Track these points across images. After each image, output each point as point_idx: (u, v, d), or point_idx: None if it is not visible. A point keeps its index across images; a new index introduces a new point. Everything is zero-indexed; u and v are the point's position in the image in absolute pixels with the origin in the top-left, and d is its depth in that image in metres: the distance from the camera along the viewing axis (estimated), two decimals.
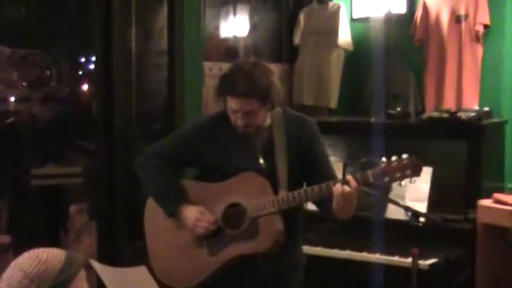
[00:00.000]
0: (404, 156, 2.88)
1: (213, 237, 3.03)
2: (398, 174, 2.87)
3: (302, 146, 3.05)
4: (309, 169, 3.05)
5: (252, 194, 2.98)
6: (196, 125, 3.23)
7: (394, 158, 2.88)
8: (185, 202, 3.08)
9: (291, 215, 3.02)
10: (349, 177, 2.87)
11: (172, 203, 3.09)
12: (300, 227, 3.18)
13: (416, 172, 2.88)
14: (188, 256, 3.07)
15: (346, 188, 2.83)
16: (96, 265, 2.48)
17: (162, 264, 3.14)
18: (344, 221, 3.04)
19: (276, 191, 2.98)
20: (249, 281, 3.05)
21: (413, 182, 2.95)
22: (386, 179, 2.88)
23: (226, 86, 2.95)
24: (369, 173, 2.87)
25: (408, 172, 2.87)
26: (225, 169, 3.05)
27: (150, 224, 3.22)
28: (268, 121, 3.05)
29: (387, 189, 4.24)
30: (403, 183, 2.92)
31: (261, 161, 3.03)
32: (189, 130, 3.23)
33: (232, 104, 2.94)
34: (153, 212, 3.17)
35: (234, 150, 3.05)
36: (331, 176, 3.03)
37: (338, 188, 2.84)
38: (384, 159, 2.89)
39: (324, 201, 2.97)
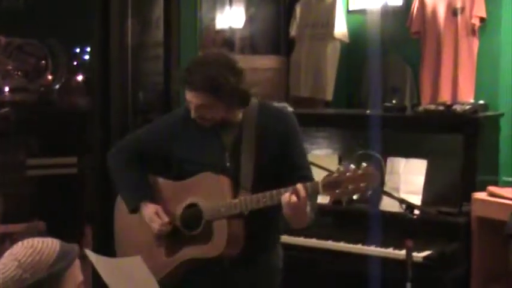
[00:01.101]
0: (363, 165, 2.67)
1: (172, 237, 2.97)
2: (351, 187, 2.66)
3: (276, 143, 2.94)
4: (282, 168, 2.93)
5: (210, 194, 2.89)
6: (166, 119, 3.17)
7: (351, 166, 2.68)
8: (146, 199, 3.01)
9: (263, 217, 2.89)
10: (299, 186, 2.70)
11: (133, 199, 3.04)
12: (274, 229, 3.07)
13: (371, 185, 2.66)
14: (147, 255, 2.94)
15: (293, 198, 2.68)
16: (91, 255, 2.48)
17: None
18: (299, 228, 2.91)
19: (237, 192, 2.88)
20: (218, 286, 2.99)
21: (367, 196, 2.79)
22: (337, 190, 2.68)
23: (183, 76, 2.89)
24: (320, 183, 2.71)
25: (362, 185, 2.65)
26: (191, 166, 2.97)
27: (117, 219, 3.19)
28: (239, 116, 2.95)
29: (382, 181, 4.26)
30: (354, 197, 2.77)
31: (227, 160, 2.94)
32: (159, 124, 3.17)
33: (187, 95, 2.88)
34: (121, 206, 3.13)
35: (201, 147, 2.97)
36: (305, 177, 2.89)
37: (285, 197, 2.70)
38: (341, 168, 2.71)
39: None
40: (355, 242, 4.15)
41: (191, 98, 2.86)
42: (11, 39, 6.44)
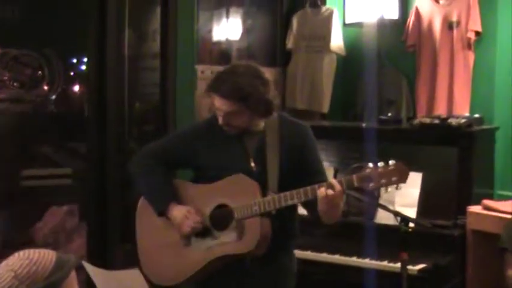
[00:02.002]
0: (391, 162, 2.86)
1: (200, 237, 3.06)
2: (383, 181, 2.84)
3: (295, 151, 3.07)
4: (301, 174, 3.06)
5: (240, 195, 2.99)
6: (191, 127, 3.32)
7: (380, 163, 2.86)
8: (174, 201, 3.11)
9: (283, 220, 3.03)
10: (333, 180, 2.87)
11: (162, 202, 3.13)
12: (292, 233, 3.19)
13: (402, 179, 2.84)
14: (175, 254, 3.10)
15: (330, 192, 2.82)
16: (89, 267, 2.48)
17: (150, 261, 3.18)
18: (332, 224, 3.05)
19: (265, 194, 2.99)
20: (238, 285, 3.07)
21: (399, 189, 2.93)
22: (371, 184, 2.85)
23: (213, 83, 3.02)
24: (354, 177, 2.86)
25: (394, 179, 2.84)
26: (217, 170, 3.07)
27: (141, 222, 3.26)
28: (262, 125, 3.09)
29: (378, 194, 4.26)
30: (389, 189, 2.90)
31: (252, 163, 3.06)
32: (184, 131, 3.30)
33: (216, 102, 3.00)
34: (144, 210, 3.21)
35: (226, 152, 3.08)
36: (323, 182, 3.01)
37: (322, 191, 2.84)
38: (370, 164, 2.86)
39: (311, 204, 2.97)
40: (350, 254, 4.16)
41: (221, 105, 2.98)
42: (7, 50, 6.44)
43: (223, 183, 3.05)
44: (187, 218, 3.04)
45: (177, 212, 3.08)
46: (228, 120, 3.01)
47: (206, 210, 3.07)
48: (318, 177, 3.06)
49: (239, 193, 3.00)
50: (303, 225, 3.25)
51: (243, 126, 3.03)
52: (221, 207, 3.05)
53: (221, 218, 3.03)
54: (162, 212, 3.12)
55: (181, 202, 3.12)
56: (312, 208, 2.99)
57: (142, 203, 3.24)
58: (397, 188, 2.89)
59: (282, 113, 3.21)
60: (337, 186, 2.83)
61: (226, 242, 3.01)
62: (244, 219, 2.98)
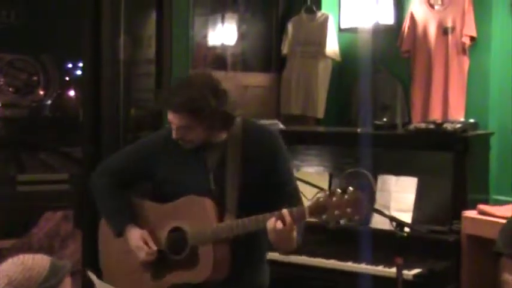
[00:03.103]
0: (349, 189, 2.64)
1: (158, 261, 2.95)
2: (337, 212, 2.63)
3: (262, 160, 2.91)
4: (269, 185, 2.90)
5: (195, 218, 2.87)
6: (148, 141, 3.14)
7: (338, 190, 2.66)
8: (131, 223, 3.00)
9: (248, 237, 2.87)
10: (284, 212, 2.68)
11: (119, 223, 3.01)
12: (259, 248, 3.03)
13: (357, 211, 2.63)
14: (134, 279, 2.99)
15: (279, 224, 2.67)
16: (95, 280, 2.47)
17: (112, 284, 3.08)
18: (287, 252, 2.92)
19: (222, 215, 2.86)
20: None
21: (353, 222, 2.77)
22: (323, 216, 2.66)
23: (163, 97, 2.91)
24: (306, 209, 2.69)
25: (348, 210, 2.63)
26: (174, 188, 2.95)
27: (102, 244, 3.17)
28: (223, 136, 2.93)
29: (373, 199, 4.26)
30: (341, 222, 2.69)
31: (212, 181, 2.92)
32: (140, 146, 3.14)
33: (169, 116, 2.87)
34: (106, 231, 3.11)
35: (185, 169, 2.95)
36: (291, 194, 2.91)
37: (271, 222, 2.69)
38: (326, 192, 2.68)
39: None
40: (346, 259, 4.15)
41: (172, 119, 2.86)
42: (2, 55, 6.45)
43: (178, 204, 2.93)
44: (142, 247, 2.93)
45: (133, 236, 2.97)
46: (181, 134, 2.86)
47: (162, 232, 2.96)
48: (287, 188, 2.93)
49: (194, 215, 2.87)
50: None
51: (198, 140, 2.88)
52: (177, 230, 2.93)
53: (177, 242, 2.91)
54: (120, 234, 3.01)
55: (139, 222, 3.01)
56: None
57: (103, 223, 3.14)
58: (349, 221, 2.71)
59: (246, 119, 3.03)
60: (288, 218, 2.67)
61: (182, 269, 2.90)
62: (199, 245, 2.86)
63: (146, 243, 2.94)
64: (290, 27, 5.64)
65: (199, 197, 2.88)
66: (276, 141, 2.98)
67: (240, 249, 2.89)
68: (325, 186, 2.99)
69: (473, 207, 4.17)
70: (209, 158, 2.94)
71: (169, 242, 2.94)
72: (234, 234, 2.81)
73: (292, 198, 2.88)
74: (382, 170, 4.37)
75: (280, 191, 2.90)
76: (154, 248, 2.93)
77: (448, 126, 4.33)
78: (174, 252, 2.92)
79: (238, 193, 2.88)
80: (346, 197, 2.63)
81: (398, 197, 4.29)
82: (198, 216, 2.87)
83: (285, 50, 5.66)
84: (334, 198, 2.64)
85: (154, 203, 3.04)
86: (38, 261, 2.02)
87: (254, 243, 2.97)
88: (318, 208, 2.66)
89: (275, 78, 5.74)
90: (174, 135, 2.88)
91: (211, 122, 2.83)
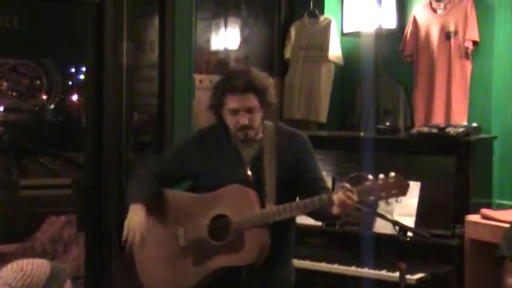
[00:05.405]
0: (392, 174, 2.90)
1: (198, 248, 3.04)
2: (383, 194, 2.89)
3: (293, 160, 3.09)
4: (300, 183, 3.08)
5: (238, 206, 2.99)
6: (185, 141, 3.35)
7: (381, 176, 2.89)
8: (141, 203, 3.06)
9: (281, 230, 3.03)
10: (346, 185, 2.89)
11: (130, 196, 3.11)
12: (290, 243, 3.18)
13: (402, 192, 2.90)
14: (173, 266, 3.08)
15: (342, 196, 2.85)
16: None
17: (147, 273, 3.16)
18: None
19: (263, 203, 2.99)
20: None
21: (399, 202, 2.98)
22: (371, 197, 2.90)
23: (225, 85, 3.01)
24: (355, 190, 2.87)
25: (394, 191, 2.89)
26: (214, 180, 3.06)
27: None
28: (259, 135, 3.10)
29: (376, 203, 4.25)
30: (389, 201, 2.95)
31: (249, 173, 3.06)
32: (178, 146, 3.34)
33: (233, 103, 2.99)
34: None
35: (222, 162, 3.08)
36: (323, 187, 3.08)
37: (339, 194, 2.86)
38: (370, 176, 2.91)
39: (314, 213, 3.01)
40: (349, 264, 4.15)
41: (239, 102, 2.99)
42: (5, 60, 6.45)
43: (221, 192, 3.05)
44: (128, 228, 3.00)
45: (133, 214, 3.04)
46: (248, 118, 3.00)
47: (204, 221, 3.05)
48: (319, 183, 3.10)
49: (237, 203, 2.99)
50: (302, 235, 3.25)
51: (257, 126, 3.06)
52: (219, 217, 3.03)
53: (219, 229, 3.02)
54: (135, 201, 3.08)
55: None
56: (316, 215, 3.05)
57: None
58: (397, 201, 2.94)
59: (278, 123, 3.23)
60: (351, 190, 2.86)
61: (225, 254, 2.99)
62: (243, 230, 2.96)
63: (134, 234, 2.99)
64: (293, 31, 5.64)
65: (240, 185, 3.01)
66: (306, 142, 3.19)
67: (273, 243, 2.99)
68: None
69: (476, 212, 4.17)
70: (245, 153, 3.09)
71: (211, 229, 3.03)
72: (282, 217, 2.94)
73: (324, 189, 3.06)
74: (385, 174, 4.36)
75: (312, 184, 3.07)
76: (139, 238, 2.98)
77: (451, 130, 4.33)
78: (217, 238, 3.01)
79: (276, 185, 3.03)
80: (391, 179, 2.88)
81: (401, 202, 4.27)
82: (242, 204, 2.99)
83: (287, 54, 5.66)
84: (379, 181, 2.88)
85: (193, 194, 3.15)
86: (37, 267, 2.02)
87: (285, 238, 3.12)
88: (366, 190, 2.89)
89: (278, 82, 5.73)
90: (241, 119, 3.00)
91: (268, 108, 3.05)
